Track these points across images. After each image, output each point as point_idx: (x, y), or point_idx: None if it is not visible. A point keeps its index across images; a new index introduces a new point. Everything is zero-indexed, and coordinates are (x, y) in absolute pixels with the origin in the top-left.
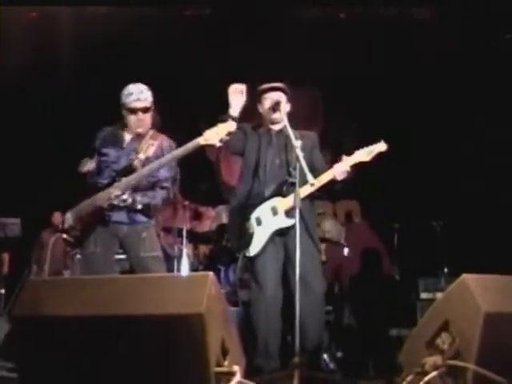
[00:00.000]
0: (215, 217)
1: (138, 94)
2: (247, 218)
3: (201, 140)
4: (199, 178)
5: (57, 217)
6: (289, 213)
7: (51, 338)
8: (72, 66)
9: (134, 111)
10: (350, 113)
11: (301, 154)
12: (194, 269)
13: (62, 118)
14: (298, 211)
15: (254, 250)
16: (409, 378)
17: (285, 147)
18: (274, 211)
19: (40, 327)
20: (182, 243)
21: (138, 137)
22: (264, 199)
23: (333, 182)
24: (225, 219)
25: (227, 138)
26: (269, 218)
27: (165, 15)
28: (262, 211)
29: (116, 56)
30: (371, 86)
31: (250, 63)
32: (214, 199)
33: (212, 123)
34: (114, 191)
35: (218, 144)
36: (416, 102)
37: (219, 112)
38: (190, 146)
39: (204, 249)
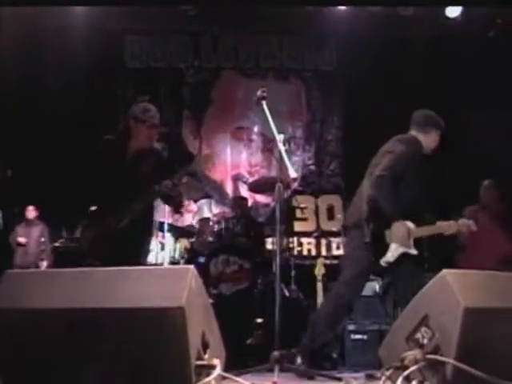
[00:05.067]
0: (197, 211)
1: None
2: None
3: None
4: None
5: (30, 210)
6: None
7: (30, 330)
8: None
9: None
10: (332, 106)
11: (283, 148)
12: (175, 262)
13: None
14: (278, 205)
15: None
16: (388, 372)
17: None
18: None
19: (19, 320)
20: (163, 237)
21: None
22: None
23: None
24: (206, 213)
25: None
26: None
27: None
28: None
29: None
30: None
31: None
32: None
33: None
34: None
35: None
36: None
37: None
38: None
39: (185, 242)
